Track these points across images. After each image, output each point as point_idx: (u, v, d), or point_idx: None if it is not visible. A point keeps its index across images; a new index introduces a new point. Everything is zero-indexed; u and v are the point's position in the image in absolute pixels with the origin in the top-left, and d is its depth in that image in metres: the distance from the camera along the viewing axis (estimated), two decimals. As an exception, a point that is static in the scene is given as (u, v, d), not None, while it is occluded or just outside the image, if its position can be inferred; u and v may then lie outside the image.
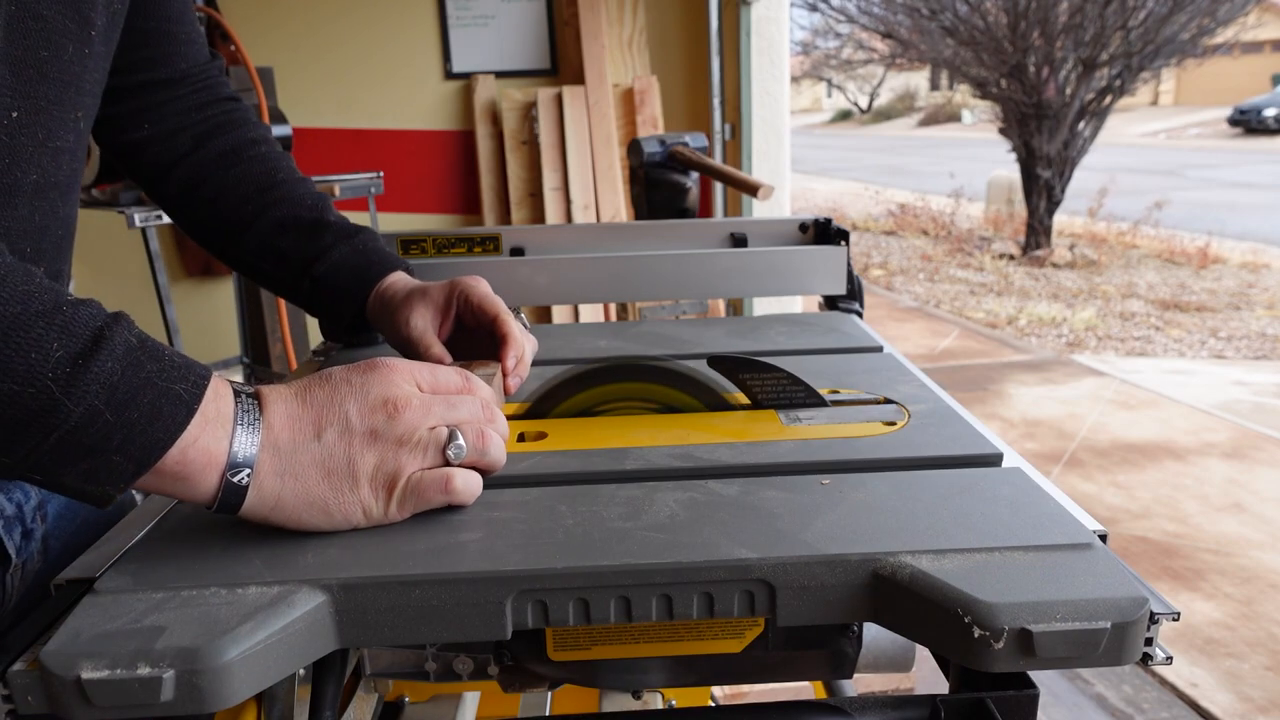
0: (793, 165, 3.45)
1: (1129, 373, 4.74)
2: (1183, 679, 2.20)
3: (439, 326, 0.75)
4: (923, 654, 0.56)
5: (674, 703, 0.87)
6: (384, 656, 0.61)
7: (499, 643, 0.57)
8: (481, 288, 0.74)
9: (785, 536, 0.48)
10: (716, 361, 0.70)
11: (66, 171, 0.61)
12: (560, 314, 2.97)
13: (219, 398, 0.48)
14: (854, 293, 1.08)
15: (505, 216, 3.30)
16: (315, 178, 2.38)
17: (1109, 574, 0.45)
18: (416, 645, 0.59)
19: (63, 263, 0.65)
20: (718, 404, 0.70)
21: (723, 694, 1.78)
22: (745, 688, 1.74)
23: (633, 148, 1.52)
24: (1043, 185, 7.75)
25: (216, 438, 0.47)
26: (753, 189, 1.30)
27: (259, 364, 2.90)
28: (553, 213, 3.14)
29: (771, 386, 0.69)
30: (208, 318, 3.37)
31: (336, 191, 2.44)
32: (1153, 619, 0.43)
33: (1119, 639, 0.43)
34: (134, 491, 0.49)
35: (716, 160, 1.54)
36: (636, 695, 0.74)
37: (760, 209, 3.13)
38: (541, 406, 0.70)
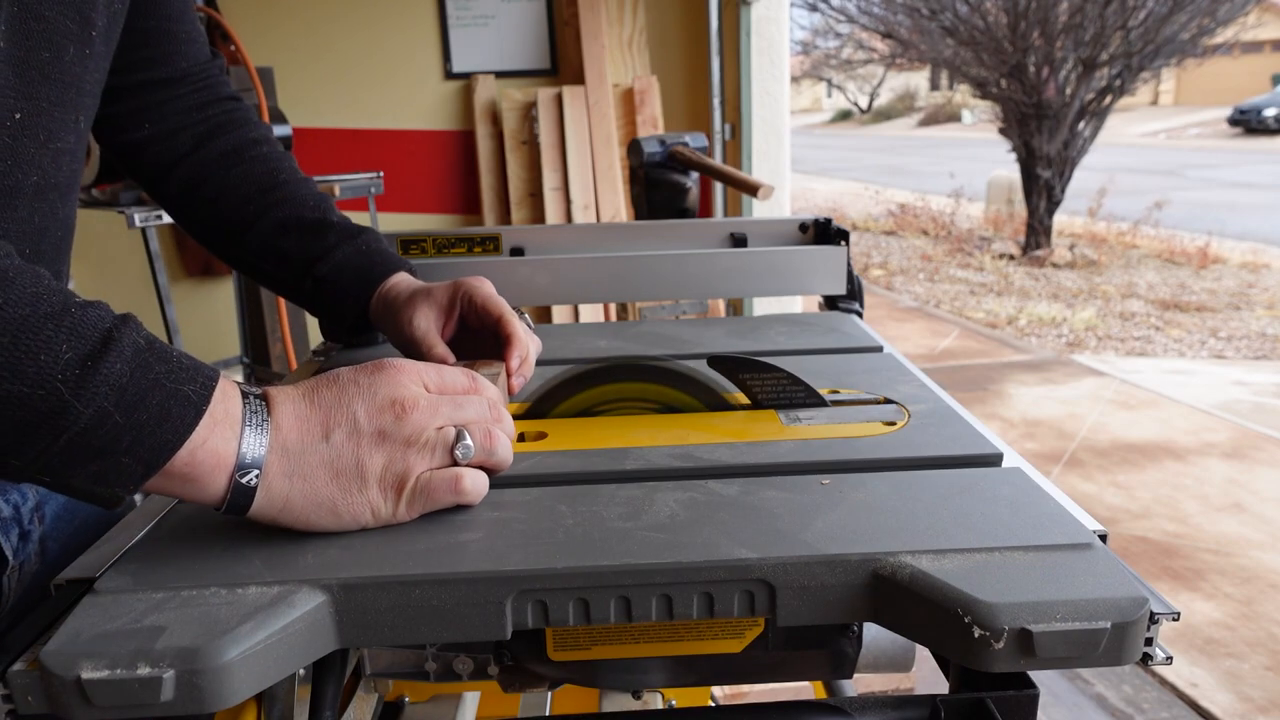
0: (793, 165, 3.45)
1: (1129, 373, 4.74)
2: (1183, 679, 2.20)
3: (442, 327, 0.75)
4: (923, 654, 0.56)
5: (674, 703, 0.87)
6: (384, 656, 0.61)
7: (499, 643, 0.57)
8: (485, 288, 0.74)
9: (785, 536, 0.48)
10: (716, 361, 0.70)
11: (66, 173, 0.61)
12: (560, 314, 2.97)
13: (227, 399, 0.48)
14: (854, 293, 1.08)
15: (505, 216, 3.30)
16: (315, 178, 2.38)
17: (1109, 574, 0.45)
18: (416, 645, 0.59)
19: (61, 264, 0.65)
20: (718, 404, 0.70)
21: (723, 694, 1.78)
22: (745, 688, 1.74)
23: (633, 148, 1.52)
24: (1043, 185, 7.75)
25: (225, 439, 0.47)
26: (753, 189, 1.30)
27: (259, 364, 2.90)
28: (553, 213, 3.14)
29: (771, 386, 0.69)
30: (208, 318, 3.37)
31: (336, 191, 2.44)
32: (1153, 619, 0.43)
33: (1119, 639, 0.43)
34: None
35: (716, 160, 1.54)
36: (636, 695, 0.74)
37: (760, 209, 3.13)
38: (542, 406, 0.70)
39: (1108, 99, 7.68)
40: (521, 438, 0.65)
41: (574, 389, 0.69)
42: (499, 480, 0.57)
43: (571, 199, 3.12)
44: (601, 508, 0.53)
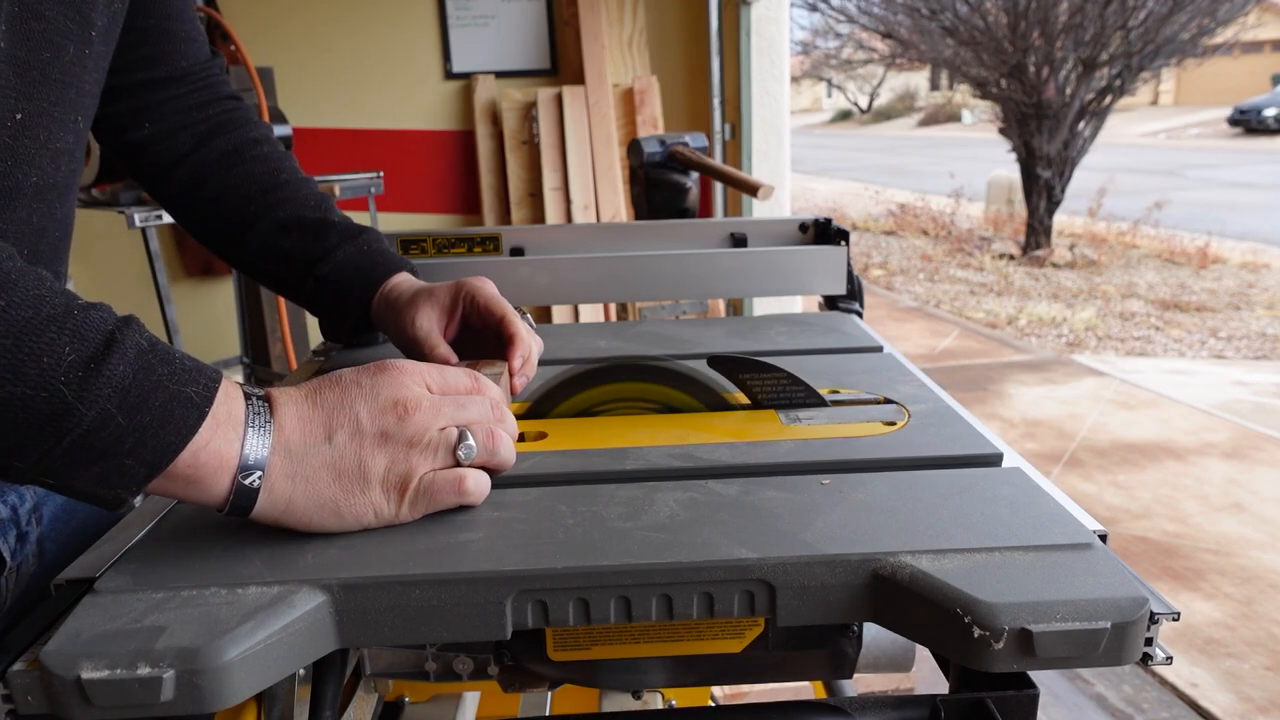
0: (793, 165, 3.45)
1: (1129, 373, 4.74)
2: (1183, 679, 2.20)
3: (444, 327, 0.75)
4: (923, 654, 0.56)
5: (674, 703, 0.87)
6: (384, 656, 0.61)
7: (499, 643, 0.57)
8: (488, 288, 0.74)
9: (785, 536, 0.48)
10: (716, 361, 0.70)
11: (65, 173, 0.61)
12: (560, 314, 2.97)
13: (230, 400, 0.48)
14: (854, 293, 1.08)
15: (505, 216, 3.30)
16: (315, 178, 2.38)
17: (1109, 574, 0.45)
18: (416, 645, 0.59)
19: (60, 264, 0.65)
20: (718, 404, 0.70)
21: (723, 694, 1.78)
22: (745, 688, 1.74)
23: (633, 148, 1.52)
24: (1043, 185, 7.75)
25: (228, 440, 0.47)
26: (753, 189, 1.30)
27: (259, 364, 2.90)
28: (553, 213, 3.14)
29: (771, 386, 0.69)
30: (208, 318, 3.37)
31: (336, 191, 2.44)
32: (1153, 619, 0.43)
33: (1119, 639, 0.43)
34: None
35: (716, 160, 1.54)
36: (636, 695, 0.74)
37: (760, 209, 3.13)
38: (542, 406, 0.70)
39: (1108, 99, 7.68)
40: (522, 438, 0.65)
41: (574, 389, 0.69)
42: (499, 480, 0.57)
43: (571, 199, 3.12)
44: (601, 508, 0.53)
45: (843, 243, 1.09)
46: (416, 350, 0.74)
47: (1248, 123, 18.86)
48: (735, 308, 3.10)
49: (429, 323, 0.74)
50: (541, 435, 0.65)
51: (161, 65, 0.78)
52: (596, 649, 0.56)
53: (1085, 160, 7.99)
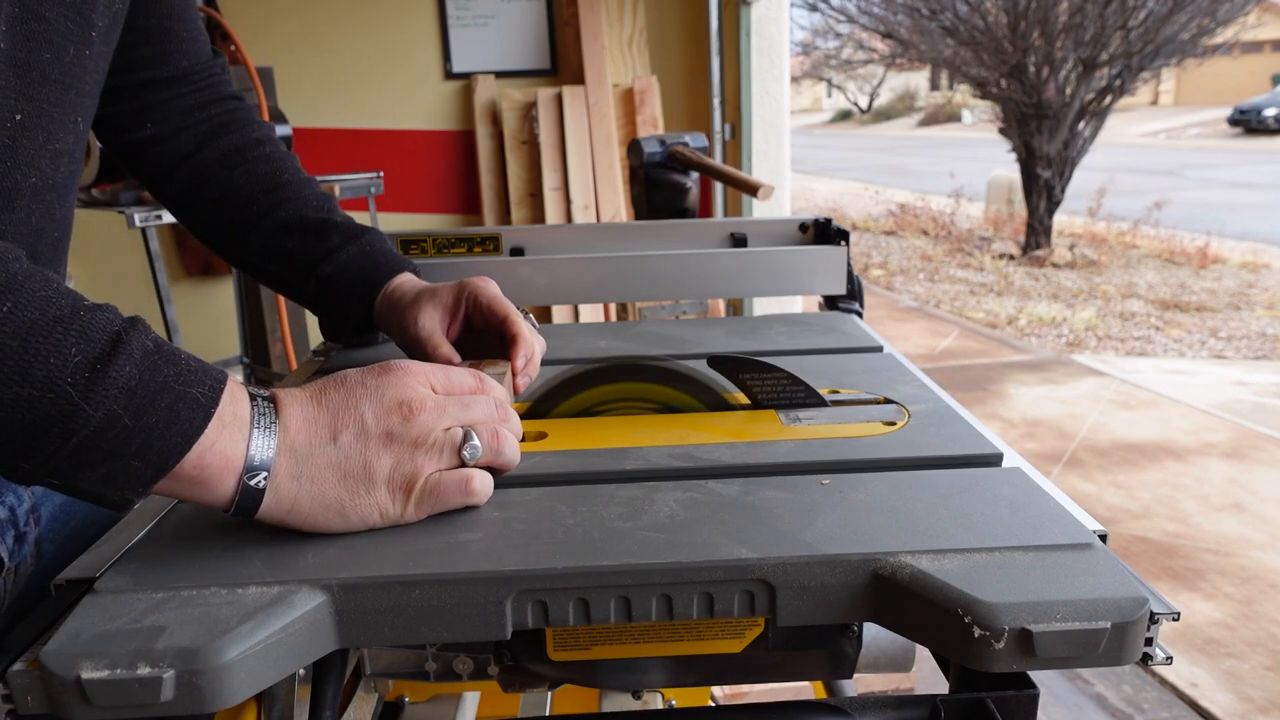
0: (793, 165, 3.45)
1: (1129, 373, 4.74)
2: (1183, 679, 2.20)
3: (447, 327, 0.75)
4: (923, 654, 0.56)
5: (674, 703, 0.87)
6: (384, 656, 0.61)
7: (499, 643, 0.57)
8: (490, 289, 0.74)
9: (785, 536, 0.48)
10: (716, 361, 0.70)
11: (65, 174, 0.61)
12: (560, 314, 2.97)
13: (235, 401, 0.48)
14: (854, 293, 1.08)
15: (505, 216, 3.30)
16: (315, 178, 2.39)
17: (1109, 574, 0.45)
18: (416, 645, 0.59)
19: (59, 265, 0.65)
20: (718, 404, 0.70)
21: (723, 694, 1.78)
22: (745, 688, 1.74)
23: (633, 148, 1.52)
24: (1043, 185, 7.75)
25: (233, 441, 0.47)
26: (753, 189, 1.30)
27: (259, 364, 2.90)
28: (553, 213, 3.14)
29: (771, 386, 0.69)
30: (208, 318, 3.37)
31: (336, 191, 2.44)
32: (1153, 619, 0.43)
33: (1119, 639, 0.43)
34: None
35: (716, 160, 1.54)
36: (636, 695, 0.74)
37: (760, 209, 3.13)
38: (541, 406, 0.70)
39: (1108, 99, 7.68)
40: (521, 438, 0.65)
41: (574, 389, 0.69)
42: (499, 480, 0.57)
43: (571, 199, 3.12)
44: (601, 508, 0.53)
45: (843, 243, 1.09)
46: (419, 350, 0.74)
47: (1248, 123, 18.86)
48: (735, 308, 3.10)
49: (432, 323, 0.74)
50: (542, 435, 0.65)
51: (163, 65, 0.78)
52: (596, 649, 0.56)
53: (1085, 160, 7.99)
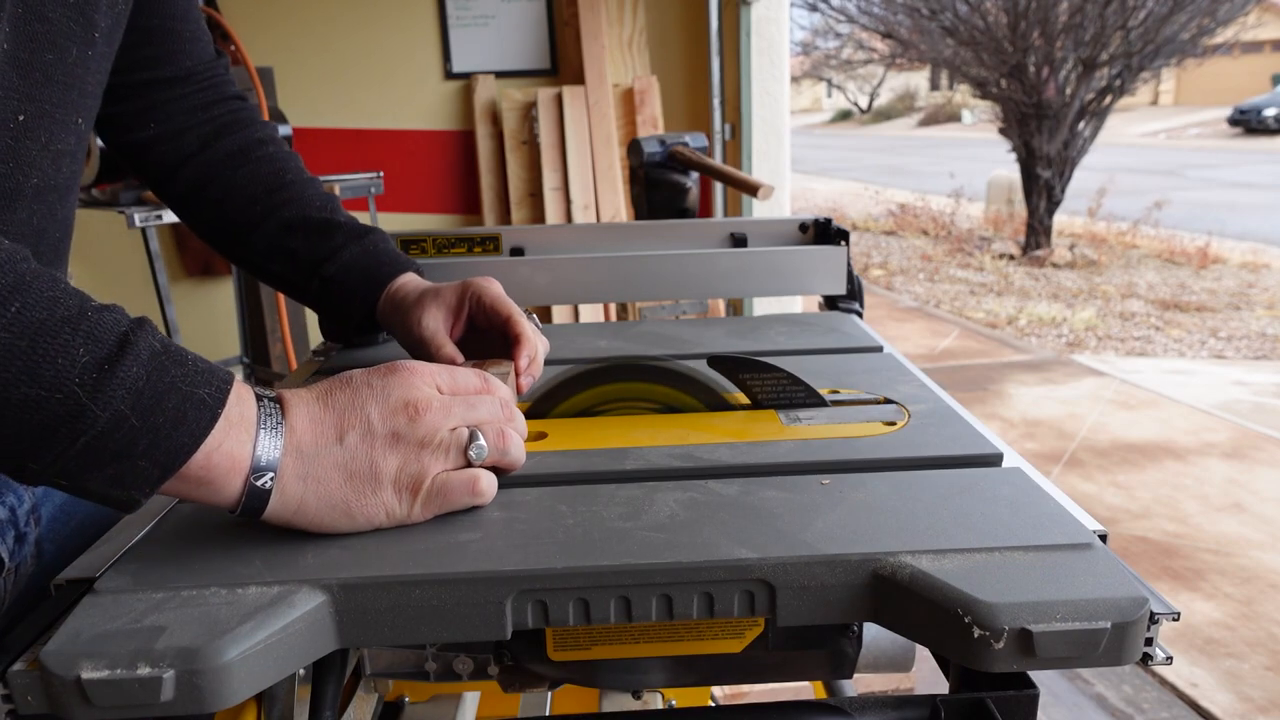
0: (793, 165, 3.45)
1: (1129, 373, 4.74)
2: (1183, 679, 2.20)
3: (450, 327, 0.75)
4: (923, 654, 0.56)
5: (674, 703, 0.87)
6: (384, 656, 0.61)
7: (499, 643, 0.57)
8: (494, 289, 0.74)
9: (785, 536, 0.48)
10: (716, 361, 0.70)
11: (66, 174, 0.61)
12: (560, 314, 2.97)
13: (242, 402, 0.48)
14: (854, 293, 1.08)
15: (505, 216, 3.30)
16: (318, 178, 2.39)
17: (1109, 574, 0.45)
18: (416, 645, 0.59)
19: (60, 265, 0.65)
20: (718, 404, 0.70)
21: (723, 694, 1.78)
22: (745, 688, 1.74)
23: (633, 148, 1.52)
24: (1043, 185, 7.75)
25: (240, 442, 0.47)
26: (753, 189, 1.30)
27: (259, 364, 2.90)
28: (553, 213, 3.14)
29: (771, 386, 0.69)
30: (208, 318, 3.37)
31: (336, 191, 2.43)
32: (1153, 619, 0.43)
33: (1119, 639, 0.42)
34: None
35: (716, 160, 1.54)
36: (636, 695, 0.74)
37: (760, 209, 3.13)
38: (541, 406, 0.70)
39: (1108, 99, 7.68)
40: (526, 438, 0.65)
41: (574, 389, 0.69)
42: (500, 480, 0.57)
43: (571, 199, 3.12)
44: (601, 508, 0.53)
45: (843, 243, 1.09)
46: (423, 350, 0.74)
47: (1248, 123, 18.86)
48: (735, 308, 3.10)
49: (435, 323, 0.74)
50: (542, 435, 0.65)
51: (166, 65, 0.78)
52: (596, 649, 0.56)
53: (1085, 160, 7.99)
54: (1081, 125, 7.71)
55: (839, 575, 0.46)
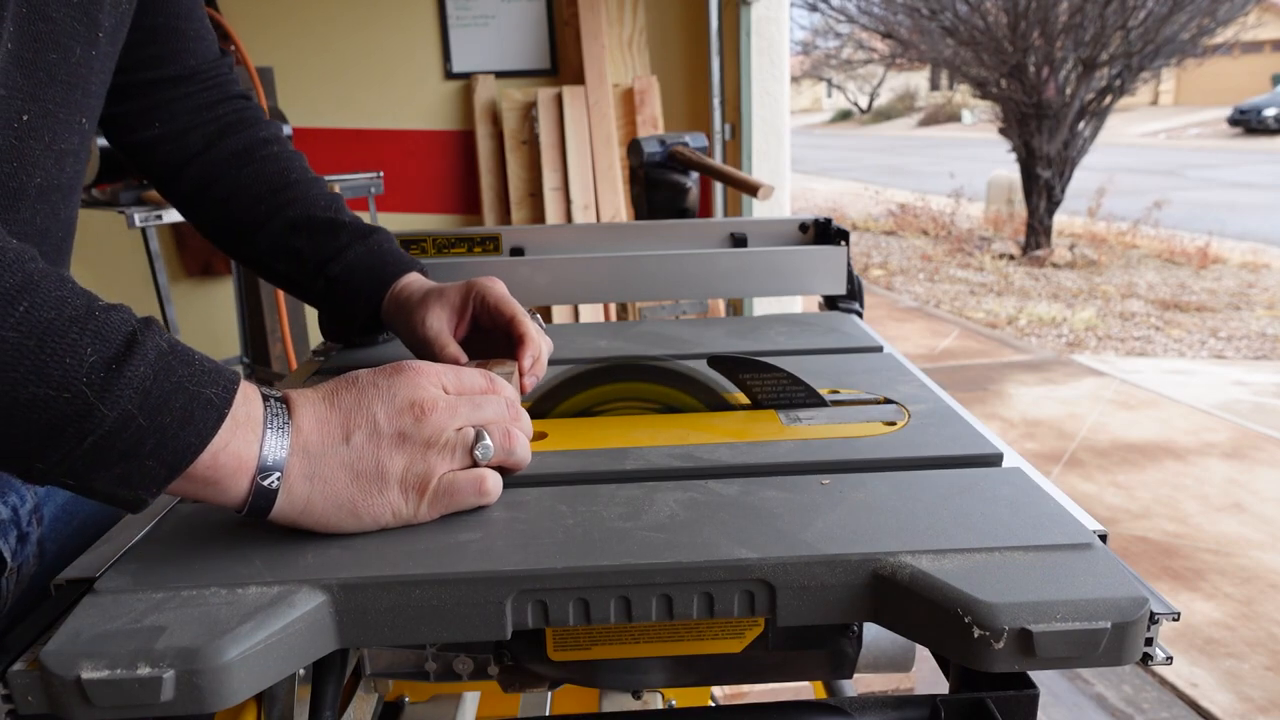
0: (793, 165, 3.45)
1: (1129, 373, 4.74)
2: (1183, 679, 2.20)
3: (454, 327, 0.75)
4: (923, 654, 0.56)
5: (674, 703, 0.87)
6: (384, 656, 0.61)
7: (499, 643, 0.57)
8: (498, 289, 0.74)
9: (785, 536, 0.48)
10: (716, 361, 0.70)
11: (69, 174, 0.62)
12: (560, 314, 2.97)
13: (248, 402, 0.48)
14: (854, 293, 1.08)
15: (505, 216, 3.30)
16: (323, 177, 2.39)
17: (1109, 574, 0.45)
18: (416, 645, 0.59)
19: (62, 265, 0.65)
20: (718, 404, 0.70)
21: (723, 694, 1.78)
22: (745, 688, 1.74)
23: (633, 148, 1.52)
24: (1043, 185, 7.75)
25: (247, 442, 0.47)
26: (753, 189, 1.30)
27: (259, 364, 2.90)
28: (553, 213, 3.14)
29: (771, 386, 0.69)
30: (208, 318, 3.37)
31: (336, 191, 2.44)
32: (1153, 619, 0.43)
33: (1119, 639, 0.42)
34: None
35: (716, 160, 1.54)
36: (636, 695, 0.74)
37: (760, 209, 3.13)
38: (541, 406, 0.70)
39: (1108, 99, 7.68)
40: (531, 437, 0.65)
41: (574, 389, 0.69)
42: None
43: (571, 199, 3.12)
44: (601, 508, 0.53)
45: (843, 243, 1.09)
46: (427, 350, 0.74)
47: (1248, 123, 18.86)
48: (735, 308, 3.10)
49: (439, 323, 0.74)
50: (542, 435, 0.65)
51: (170, 64, 0.78)
52: (596, 649, 0.56)
53: (1085, 160, 7.99)
54: (1081, 125, 7.71)
55: (839, 575, 0.46)
